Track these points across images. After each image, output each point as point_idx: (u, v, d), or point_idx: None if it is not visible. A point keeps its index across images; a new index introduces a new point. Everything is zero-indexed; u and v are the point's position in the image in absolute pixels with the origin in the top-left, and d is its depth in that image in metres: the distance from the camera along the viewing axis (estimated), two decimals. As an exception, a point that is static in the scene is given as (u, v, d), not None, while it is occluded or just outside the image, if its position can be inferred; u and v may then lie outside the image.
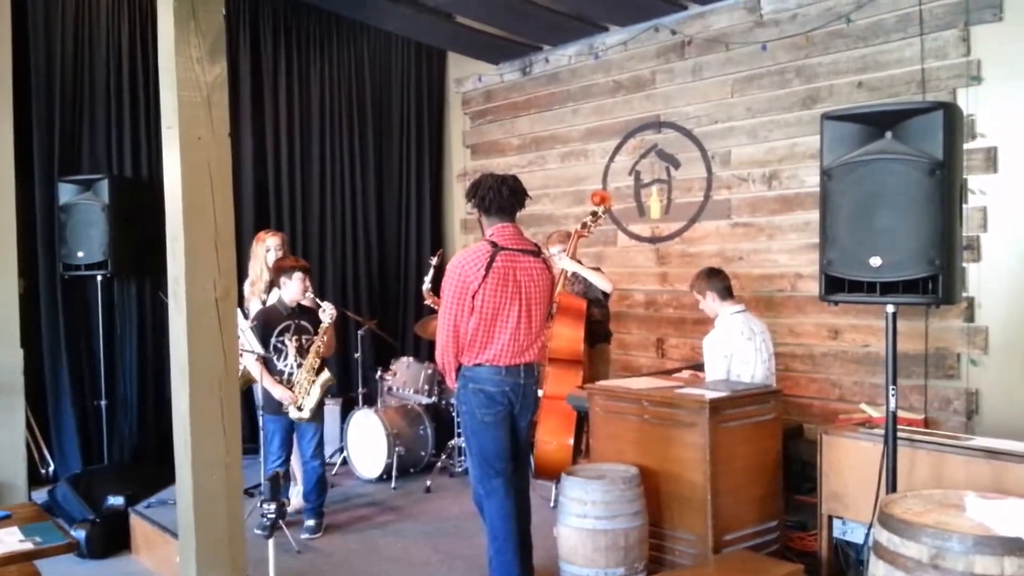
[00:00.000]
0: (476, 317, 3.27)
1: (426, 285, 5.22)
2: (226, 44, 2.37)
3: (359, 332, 5.83)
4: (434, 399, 5.68)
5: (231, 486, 2.28)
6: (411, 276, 7.20)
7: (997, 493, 2.78)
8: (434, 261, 5.24)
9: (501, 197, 3.35)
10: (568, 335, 4.72)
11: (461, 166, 7.39)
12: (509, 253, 3.31)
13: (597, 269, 5.03)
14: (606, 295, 4.96)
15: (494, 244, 3.31)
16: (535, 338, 3.40)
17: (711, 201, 5.52)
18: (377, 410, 5.41)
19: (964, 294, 4.27)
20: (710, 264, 4.86)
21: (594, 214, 4.86)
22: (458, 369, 3.41)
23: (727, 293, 4.25)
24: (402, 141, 7.21)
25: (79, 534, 4.20)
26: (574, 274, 4.93)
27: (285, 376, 4.34)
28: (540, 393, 3.60)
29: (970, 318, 4.36)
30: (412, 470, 5.43)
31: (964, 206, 3.10)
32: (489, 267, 3.24)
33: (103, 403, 5.41)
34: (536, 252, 3.43)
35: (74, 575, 4.13)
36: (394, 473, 5.24)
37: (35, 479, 5.17)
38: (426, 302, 5.27)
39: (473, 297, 3.25)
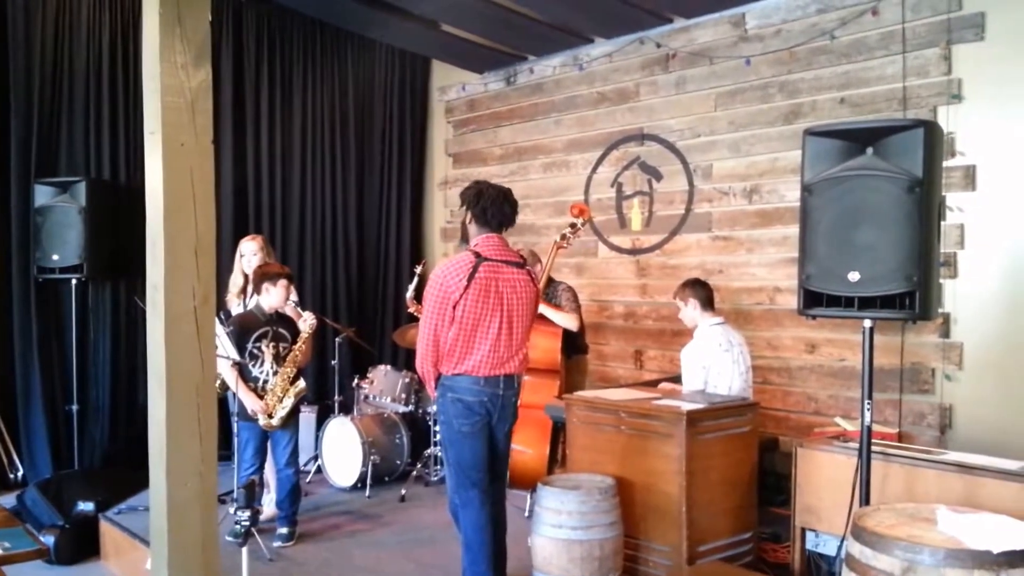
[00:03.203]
0: (456, 327, 3.25)
1: (409, 293, 5.21)
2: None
3: (337, 339, 5.79)
4: (411, 408, 5.65)
5: (205, 494, 2.25)
6: (390, 284, 7.18)
7: (969, 507, 2.81)
8: (418, 270, 5.24)
9: (503, 213, 3.36)
10: (544, 345, 4.73)
11: (443, 174, 7.39)
12: (492, 264, 3.30)
13: (569, 289, 5.02)
14: (580, 330, 4.94)
15: (477, 254, 3.29)
16: (516, 350, 3.37)
17: (692, 214, 5.56)
18: (353, 418, 5.38)
19: (940, 310, 4.32)
20: (689, 277, 4.89)
21: (573, 226, 4.87)
22: (438, 378, 3.39)
23: (709, 304, 4.29)
24: (384, 149, 7.19)
25: (48, 540, 4.14)
26: (546, 286, 4.93)
27: (260, 383, 4.30)
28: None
29: (946, 334, 4.42)
30: (387, 479, 5.40)
31: (942, 223, 3.14)
32: (471, 277, 3.23)
33: (74, 408, 5.34)
34: (520, 264, 3.42)
35: (41, 582, 4.07)
36: (369, 482, 5.20)
37: (4, 484, 5.09)
38: (409, 310, 5.26)
39: (454, 307, 3.24)
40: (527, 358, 3.49)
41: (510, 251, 3.43)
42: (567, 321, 4.82)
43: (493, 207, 3.35)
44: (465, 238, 3.47)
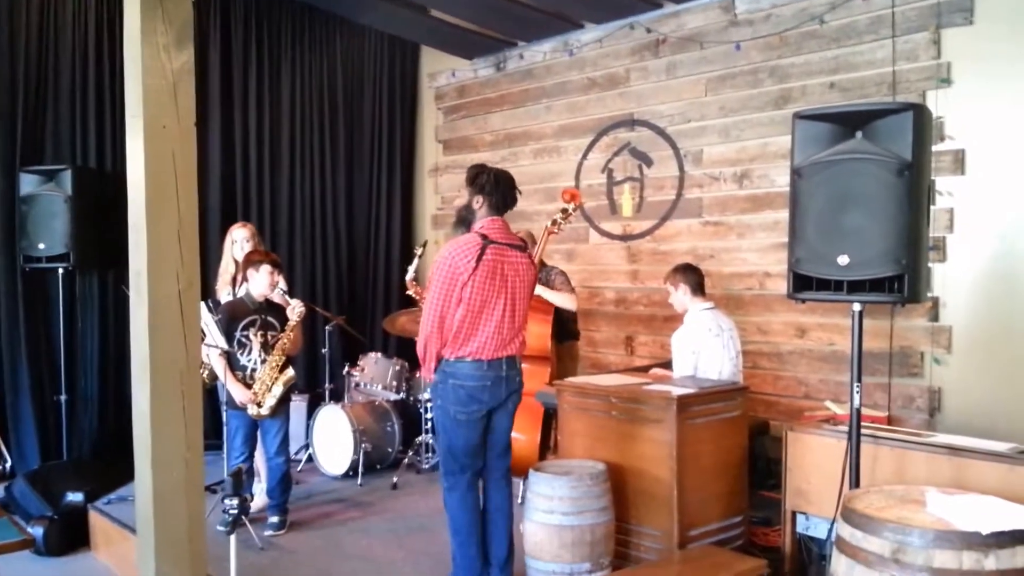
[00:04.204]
0: (463, 308, 3.24)
1: (410, 275, 5.16)
2: (195, 34, 2.32)
3: (327, 328, 5.77)
4: (402, 395, 5.64)
5: (191, 481, 2.23)
6: (380, 271, 7.15)
7: (957, 489, 2.82)
8: (419, 252, 5.20)
9: (513, 198, 3.40)
10: (536, 331, 4.71)
11: (433, 161, 7.35)
12: (498, 247, 3.30)
13: (562, 273, 5.00)
14: (571, 318, 4.93)
15: (484, 237, 3.29)
16: (518, 332, 3.39)
17: (683, 199, 5.55)
18: (344, 406, 5.36)
19: (929, 294, 4.33)
20: (680, 262, 4.89)
21: (564, 211, 4.84)
22: (439, 361, 3.37)
23: (699, 289, 4.29)
24: (374, 135, 7.14)
25: (36, 531, 4.13)
26: (538, 270, 4.91)
27: (248, 371, 4.28)
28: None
29: (935, 317, 4.43)
30: (379, 467, 5.39)
31: (931, 207, 3.14)
32: (479, 259, 3.23)
33: (63, 398, 5.30)
34: (523, 247, 3.43)
35: (31, 573, 4.05)
36: (360, 470, 5.19)
37: (-8, 475, 5.07)
38: (408, 292, 5.22)
39: (462, 288, 3.23)
40: (525, 341, 3.49)
41: (513, 235, 3.45)
42: (566, 301, 4.80)
43: (510, 193, 3.38)
44: (464, 223, 3.43)
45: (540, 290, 4.73)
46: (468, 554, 3.34)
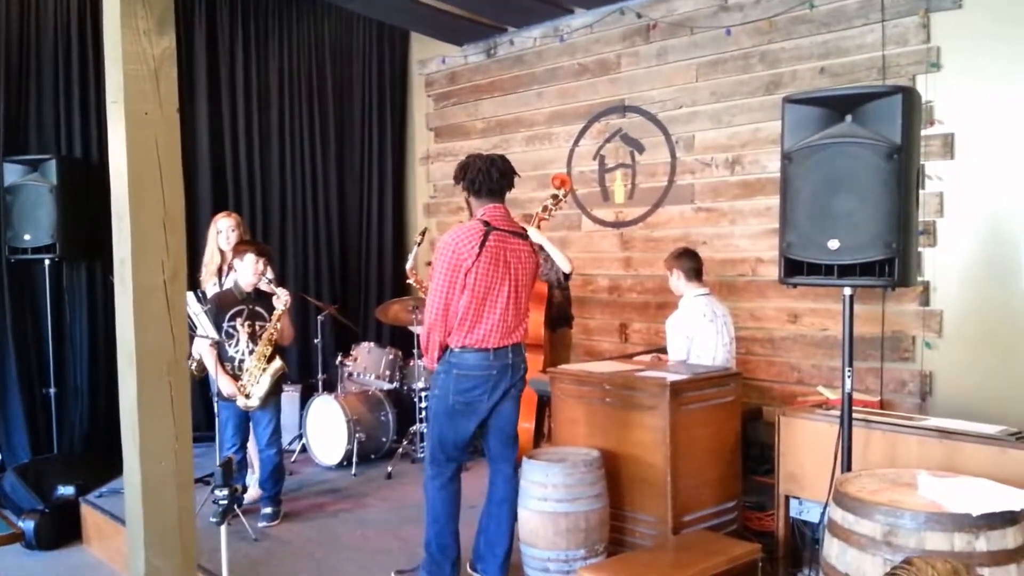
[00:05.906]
0: (468, 295, 3.22)
1: (409, 263, 5.14)
2: (180, 22, 2.29)
3: (319, 317, 5.75)
4: (395, 385, 5.63)
5: (181, 473, 2.20)
6: (373, 260, 7.12)
7: (948, 472, 2.83)
8: (418, 240, 5.18)
9: (491, 179, 3.31)
10: (529, 318, 4.70)
11: (424, 149, 7.31)
12: (500, 234, 3.28)
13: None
14: (566, 276, 4.95)
15: (486, 223, 3.27)
16: (521, 320, 3.38)
17: (675, 186, 5.53)
18: (337, 396, 5.35)
19: (920, 278, 4.33)
20: (674, 248, 4.87)
21: (555, 197, 4.83)
22: (443, 350, 3.35)
23: (694, 275, 4.28)
24: (364, 123, 7.09)
25: (27, 525, 4.11)
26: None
27: (236, 362, 4.25)
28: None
29: (925, 302, 4.43)
30: (373, 456, 5.38)
31: (921, 191, 3.13)
32: (483, 246, 3.21)
33: (52, 391, 5.27)
34: (524, 235, 3.41)
35: (23, 567, 4.04)
36: (354, 460, 5.18)
37: (-18, 469, 5.03)
38: (408, 280, 5.19)
39: (466, 275, 3.21)
40: (528, 329, 3.48)
41: (514, 222, 3.43)
42: (563, 261, 4.82)
43: (480, 177, 3.32)
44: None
45: (542, 238, 4.69)
46: (444, 543, 3.37)
